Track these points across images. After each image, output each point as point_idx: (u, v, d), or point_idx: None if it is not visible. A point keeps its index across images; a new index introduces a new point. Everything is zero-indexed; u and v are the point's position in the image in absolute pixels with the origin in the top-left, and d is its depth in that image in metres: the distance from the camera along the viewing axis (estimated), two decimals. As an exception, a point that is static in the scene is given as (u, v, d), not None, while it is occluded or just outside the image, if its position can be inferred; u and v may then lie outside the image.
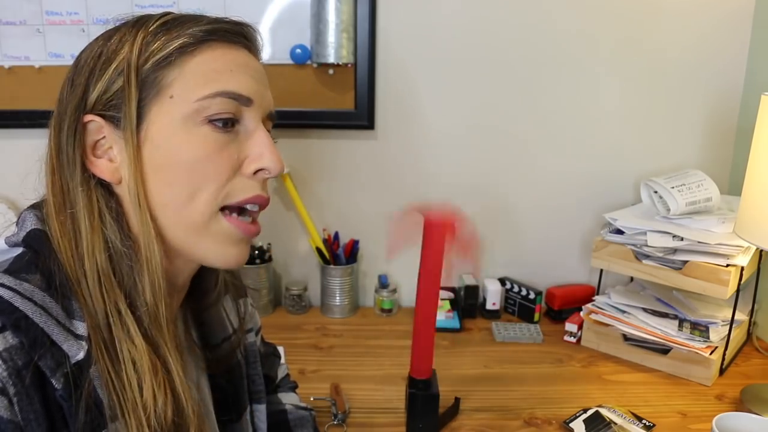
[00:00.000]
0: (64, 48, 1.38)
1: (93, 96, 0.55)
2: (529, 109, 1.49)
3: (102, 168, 0.56)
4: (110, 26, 0.59)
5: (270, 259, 1.50)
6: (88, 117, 0.56)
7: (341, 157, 1.50)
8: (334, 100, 1.44)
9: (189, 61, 0.56)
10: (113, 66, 0.55)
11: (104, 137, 0.56)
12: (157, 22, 0.57)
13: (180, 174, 0.56)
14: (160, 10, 0.60)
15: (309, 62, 1.40)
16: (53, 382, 0.49)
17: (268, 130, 0.62)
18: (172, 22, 0.57)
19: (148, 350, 0.54)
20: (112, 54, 0.55)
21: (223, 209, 0.58)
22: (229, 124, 0.57)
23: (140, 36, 0.56)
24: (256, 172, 0.59)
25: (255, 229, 0.61)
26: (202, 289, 0.70)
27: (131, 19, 0.58)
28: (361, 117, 1.45)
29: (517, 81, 1.47)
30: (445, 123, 1.49)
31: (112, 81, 0.55)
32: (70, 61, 0.58)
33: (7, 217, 1.39)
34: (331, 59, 1.36)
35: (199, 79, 0.56)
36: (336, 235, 1.53)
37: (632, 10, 1.43)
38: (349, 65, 1.41)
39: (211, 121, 0.56)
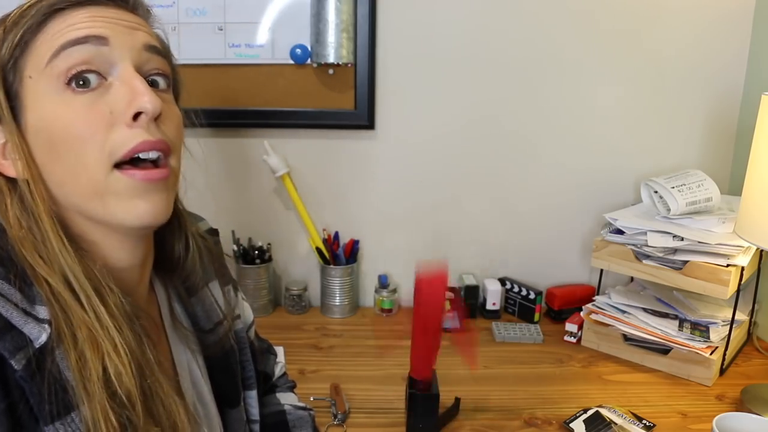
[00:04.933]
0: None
1: None
2: (528, 110, 1.49)
3: (7, 168, 0.57)
4: None
5: (270, 259, 1.50)
6: None
7: (341, 157, 1.50)
8: (334, 100, 1.44)
9: (37, 39, 0.55)
10: None
11: (6, 140, 0.56)
12: (13, 14, 0.56)
13: (61, 147, 0.55)
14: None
15: (309, 62, 1.40)
16: (12, 363, 0.49)
17: (155, 70, 0.59)
18: (26, 10, 0.56)
19: (87, 322, 0.54)
20: None
21: (118, 166, 0.55)
22: (88, 82, 0.55)
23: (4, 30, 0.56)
24: (135, 118, 0.55)
25: (158, 173, 0.57)
26: (185, 270, 0.70)
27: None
28: (361, 117, 1.45)
29: (517, 81, 1.47)
30: (445, 123, 1.49)
31: None
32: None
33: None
34: (331, 59, 1.36)
35: (45, 47, 0.55)
36: (336, 235, 1.53)
37: (632, 10, 1.43)
38: (349, 65, 1.41)
39: (69, 84, 0.54)
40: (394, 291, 1.53)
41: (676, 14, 1.44)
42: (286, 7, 1.38)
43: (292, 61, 1.40)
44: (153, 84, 0.59)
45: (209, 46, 1.39)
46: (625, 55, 1.46)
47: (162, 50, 0.60)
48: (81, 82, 0.55)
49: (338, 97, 1.44)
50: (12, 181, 0.57)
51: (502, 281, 1.53)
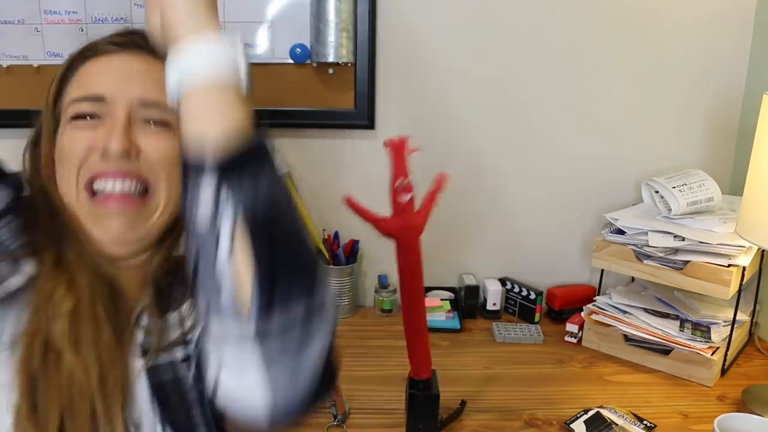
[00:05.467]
0: (62, 47, 1.37)
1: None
2: (529, 110, 1.48)
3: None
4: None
5: (270, 259, 1.49)
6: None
7: (341, 157, 1.50)
8: (334, 100, 1.44)
9: (72, 80, 0.71)
10: (52, 89, 0.73)
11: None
12: (71, 56, 0.73)
13: (60, 164, 0.69)
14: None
15: (309, 61, 1.40)
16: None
17: (152, 118, 0.69)
18: (75, 54, 0.73)
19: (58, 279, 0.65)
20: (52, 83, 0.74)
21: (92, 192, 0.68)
22: (86, 118, 0.69)
23: (61, 69, 0.73)
24: (103, 154, 0.67)
25: (114, 201, 0.67)
26: (159, 289, 0.71)
27: None
28: (361, 117, 1.45)
29: (517, 82, 1.46)
30: (444, 123, 1.49)
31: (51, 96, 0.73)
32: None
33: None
34: (331, 58, 1.36)
35: (72, 91, 0.71)
36: (336, 235, 1.52)
37: (634, 10, 1.43)
38: (349, 64, 1.41)
39: (73, 119, 0.69)
40: (394, 291, 1.53)
41: (677, 14, 1.43)
42: (286, 7, 1.38)
43: (291, 61, 1.40)
44: (148, 121, 0.69)
45: (209, 45, 1.38)
46: (626, 55, 1.45)
47: (153, 102, 0.69)
48: (81, 117, 0.69)
49: (338, 97, 1.44)
50: None
51: (503, 281, 1.53)
